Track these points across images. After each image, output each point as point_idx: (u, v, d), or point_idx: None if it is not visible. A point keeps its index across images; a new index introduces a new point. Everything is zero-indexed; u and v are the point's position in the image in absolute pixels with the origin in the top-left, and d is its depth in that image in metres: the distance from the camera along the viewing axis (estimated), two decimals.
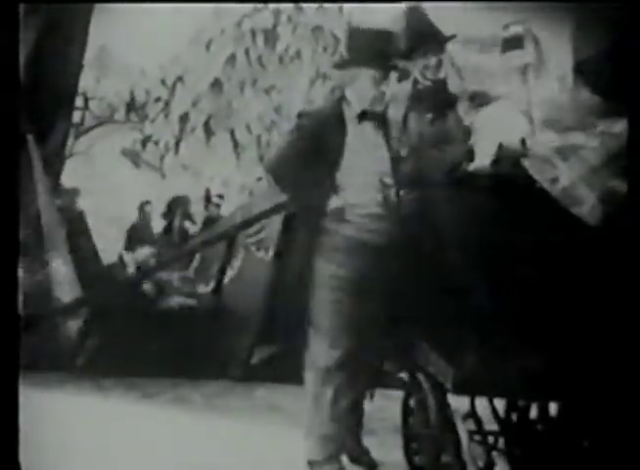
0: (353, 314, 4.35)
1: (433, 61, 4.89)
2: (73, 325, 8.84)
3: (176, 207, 11.37)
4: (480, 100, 4.65)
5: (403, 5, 4.85)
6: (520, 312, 3.86)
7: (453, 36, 4.79)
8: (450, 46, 4.96)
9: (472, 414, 4.48)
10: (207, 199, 11.81)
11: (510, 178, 4.04)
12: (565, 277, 3.81)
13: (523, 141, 3.98)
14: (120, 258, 10.51)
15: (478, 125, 4.23)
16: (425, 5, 4.83)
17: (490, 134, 4.10)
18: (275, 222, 8.86)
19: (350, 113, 4.54)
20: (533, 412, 4.41)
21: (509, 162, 3.96)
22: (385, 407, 5.29)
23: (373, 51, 4.52)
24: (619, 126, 3.82)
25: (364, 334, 4.34)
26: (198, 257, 9.85)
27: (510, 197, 3.96)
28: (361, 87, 4.53)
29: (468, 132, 4.59)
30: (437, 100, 4.96)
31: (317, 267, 4.43)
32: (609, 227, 3.77)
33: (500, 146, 3.97)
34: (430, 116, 4.95)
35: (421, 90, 4.68)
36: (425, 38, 4.77)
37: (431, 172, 4.29)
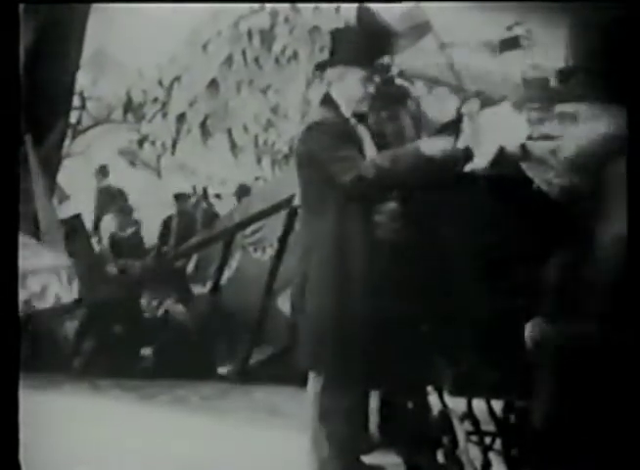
0: (356, 314, 4.34)
1: (385, 60, 4.90)
2: (71, 326, 8.84)
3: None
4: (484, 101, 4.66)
5: (403, 5, 4.84)
6: (518, 312, 3.86)
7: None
8: (449, 46, 4.98)
9: (469, 415, 4.48)
10: (205, 198, 11.80)
11: (507, 179, 4.04)
12: (564, 276, 3.81)
13: (523, 147, 3.97)
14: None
15: (480, 126, 4.23)
16: (424, 5, 4.83)
17: (492, 136, 4.10)
18: (272, 223, 8.86)
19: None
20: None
21: (508, 164, 3.96)
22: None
23: (360, 50, 4.51)
24: (610, 125, 3.83)
25: (366, 335, 4.32)
26: (195, 257, 9.85)
27: (507, 198, 3.96)
28: (349, 86, 4.51)
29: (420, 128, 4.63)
30: (390, 98, 4.96)
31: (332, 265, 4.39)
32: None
33: (501, 149, 3.97)
34: (384, 114, 4.96)
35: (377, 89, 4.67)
36: (375, 37, 4.73)
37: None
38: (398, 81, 4.97)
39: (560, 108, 3.30)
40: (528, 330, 3.83)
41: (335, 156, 4.30)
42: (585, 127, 3.25)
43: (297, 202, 5.94)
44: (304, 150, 4.48)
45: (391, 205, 4.35)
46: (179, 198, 11.23)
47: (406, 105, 4.98)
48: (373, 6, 4.65)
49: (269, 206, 8.60)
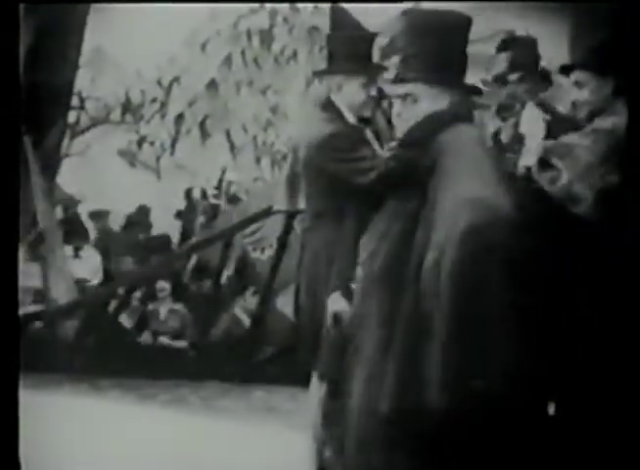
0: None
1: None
2: (70, 326, 8.84)
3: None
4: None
5: (403, 5, 4.81)
6: (518, 312, 3.86)
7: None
8: None
9: None
10: (204, 199, 11.82)
11: (509, 179, 4.04)
12: (564, 275, 3.82)
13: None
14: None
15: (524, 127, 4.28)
16: (424, 5, 4.79)
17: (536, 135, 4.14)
18: (271, 223, 8.87)
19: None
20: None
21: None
22: None
23: (356, 57, 4.45)
24: (610, 123, 3.83)
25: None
26: (194, 257, 9.86)
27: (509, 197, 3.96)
28: (350, 93, 4.46)
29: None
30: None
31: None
32: (607, 224, 3.77)
33: (553, 145, 3.98)
34: None
35: None
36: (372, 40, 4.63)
37: None
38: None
39: (401, 89, 3.44)
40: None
41: (351, 163, 4.22)
42: (422, 106, 3.40)
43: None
44: (316, 163, 4.39)
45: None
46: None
47: (380, 106, 4.89)
48: (348, 6, 4.58)
49: (268, 206, 8.60)
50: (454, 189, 3.13)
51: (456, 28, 3.51)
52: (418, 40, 3.46)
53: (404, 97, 3.43)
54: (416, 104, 3.42)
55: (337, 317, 4.11)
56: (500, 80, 4.96)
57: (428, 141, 3.33)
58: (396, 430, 3.22)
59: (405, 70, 3.45)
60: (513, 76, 4.90)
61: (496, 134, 4.89)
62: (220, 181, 12.05)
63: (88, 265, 9.80)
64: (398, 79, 3.45)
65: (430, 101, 3.41)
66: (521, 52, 4.95)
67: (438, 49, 3.43)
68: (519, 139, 4.69)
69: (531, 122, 4.70)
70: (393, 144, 3.53)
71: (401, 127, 3.46)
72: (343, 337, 3.60)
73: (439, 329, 3.11)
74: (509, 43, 5.07)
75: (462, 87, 3.50)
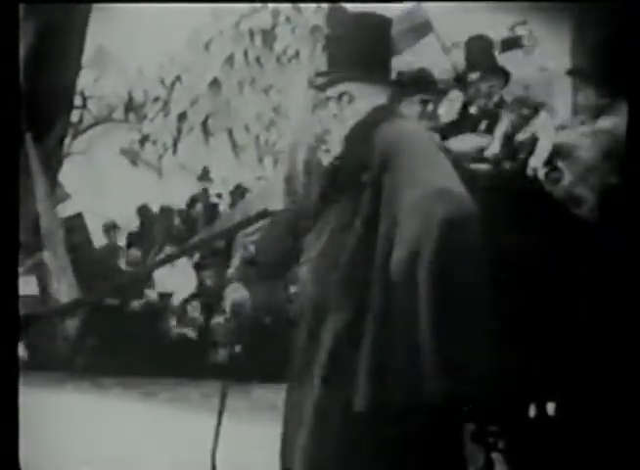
0: None
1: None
2: (72, 325, 8.85)
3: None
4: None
5: (403, 5, 4.82)
6: (519, 312, 3.87)
7: None
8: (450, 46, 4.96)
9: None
10: (206, 198, 11.82)
11: (511, 178, 4.06)
12: (564, 275, 3.82)
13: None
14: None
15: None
16: (425, 5, 4.81)
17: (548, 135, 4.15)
18: None
19: None
20: (532, 412, 4.41)
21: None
22: None
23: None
24: (610, 123, 3.84)
25: None
26: (197, 256, 9.88)
27: (511, 197, 3.97)
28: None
29: None
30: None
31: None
32: (608, 225, 3.78)
33: (555, 146, 3.98)
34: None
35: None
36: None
37: None
38: None
39: (335, 90, 3.44)
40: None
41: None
42: (360, 104, 3.40)
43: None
44: (315, 162, 4.43)
45: None
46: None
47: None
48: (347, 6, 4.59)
49: (264, 208, 8.60)
50: (418, 182, 3.10)
51: (378, 28, 3.49)
52: (342, 40, 3.47)
53: (339, 97, 3.42)
54: (353, 102, 3.41)
55: (237, 306, 4.10)
56: (460, 80, 4.98)
57: (369, 137, 3.31)
58: (371, 427, 3.19)
59: (333, 69, 3.47)
60: (473, 75, 4.90)
61: (507, 132, 4.90)
62: (222, 180, 12.07)
63: (179, 277, 9.74)
64: (330, 82, 3.46)
65: (366, 98, 3.40)
66: (477, 51, 4.94)
67: (362, 48, 3.43)
68: (532, 140, 4.70)
69: (544, 125, 4.73)
70: (333, 144, 3.51)
71: (340, 128, 3.43)
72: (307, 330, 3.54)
73: (422, 322, 3.06)
74: (468, 43, 5.08)
75: (390, 85, 3.49)
